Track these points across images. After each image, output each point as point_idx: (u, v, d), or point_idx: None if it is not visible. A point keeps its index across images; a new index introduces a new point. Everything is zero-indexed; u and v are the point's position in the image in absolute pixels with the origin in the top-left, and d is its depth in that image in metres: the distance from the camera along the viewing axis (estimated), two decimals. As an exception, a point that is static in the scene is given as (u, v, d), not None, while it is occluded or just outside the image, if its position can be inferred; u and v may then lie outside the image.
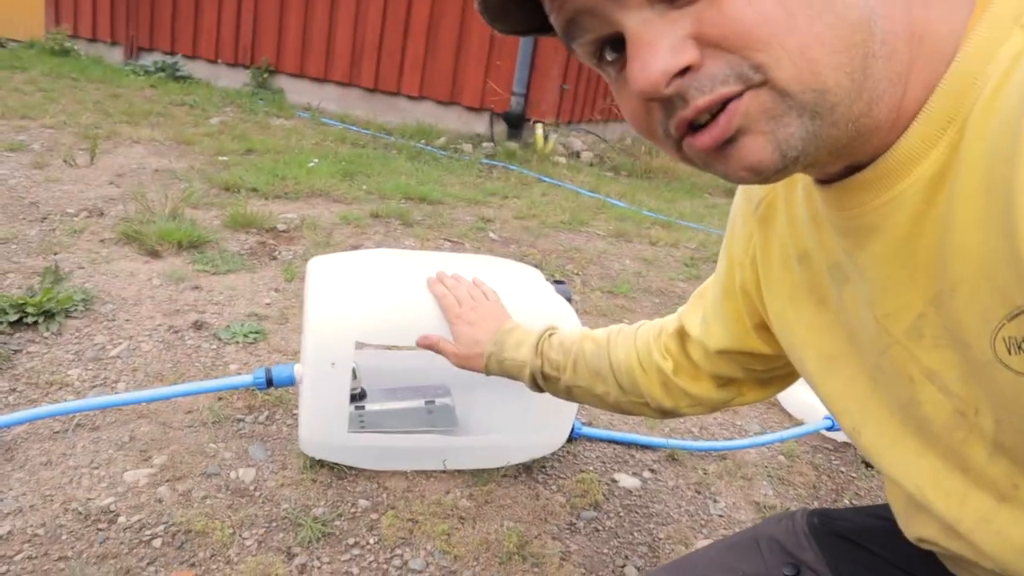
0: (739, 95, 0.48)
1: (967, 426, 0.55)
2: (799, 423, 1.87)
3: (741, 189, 0.80)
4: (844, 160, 0.55)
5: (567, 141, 5.76)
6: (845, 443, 1.81)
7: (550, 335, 1.14)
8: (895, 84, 0.49)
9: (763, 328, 0.82)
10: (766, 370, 0.91)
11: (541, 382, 1.12)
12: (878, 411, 0.65)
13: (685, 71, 0.48)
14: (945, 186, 0.50)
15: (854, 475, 1.69)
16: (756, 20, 0.45)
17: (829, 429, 1.77)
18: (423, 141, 5.20)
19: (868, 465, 1.74)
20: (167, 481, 1.30)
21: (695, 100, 0.48)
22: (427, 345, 1.24)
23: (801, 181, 0.66)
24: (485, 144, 5.33)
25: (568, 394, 1.11)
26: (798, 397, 1.89)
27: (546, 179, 4.62)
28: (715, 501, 1.51)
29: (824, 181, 0.59)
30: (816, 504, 1.56)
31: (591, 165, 5.59)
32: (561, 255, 3.07)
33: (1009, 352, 0.48)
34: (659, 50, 0.47)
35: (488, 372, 1.18)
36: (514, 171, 4.72)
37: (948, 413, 0.56)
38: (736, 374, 0.93)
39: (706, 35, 0.47)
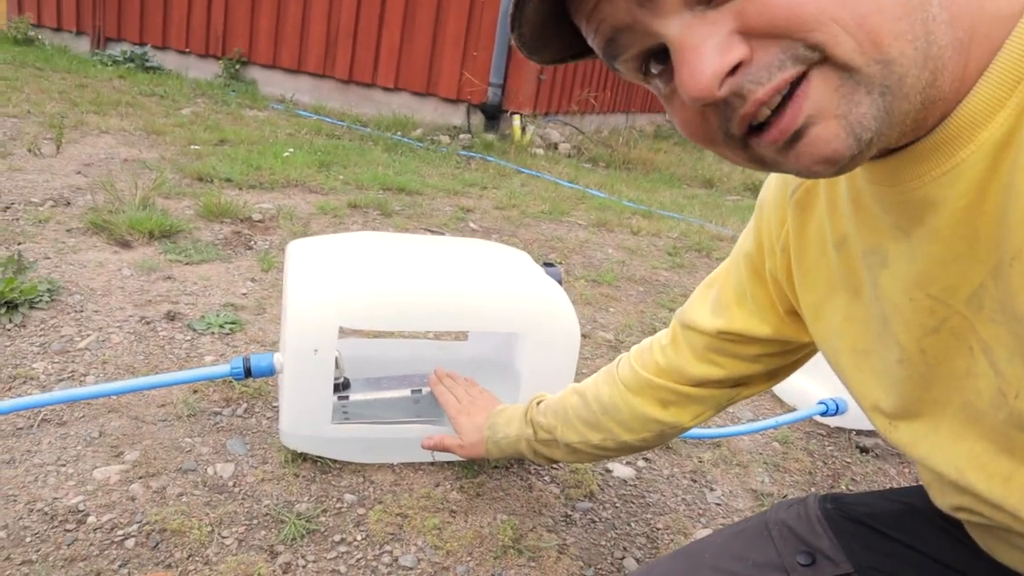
0: (803, 76, 0.45)
1: (1007, 408, 0.52)
2: (791, 409, 1.84)
3: (775, 175, 0.76)
4: (908, 136, 0.50)
5: (545, 132, 5.71)
6: (839, 428, 1.78)
7: (538, 403, 1.15)
8: (958, 51, 0.46)
9: (794, 314, 0.79)
10: (783, 357, 0.87)
11: (541, 450, 1.12)
12: (913, 402, 0.62)
13: (736, 68, 0.45)
14: (1011, 151, 0.46)
15: (848, 460, 1.66)
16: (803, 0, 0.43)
17: (823, 415, 1.73)
18: (399, 133, 5.12)
19: (863, 450, 1.71)
20: (140, 478, 1.23)
21: (754, 93, 0.45)
22: (432, 446, 1.27)
23: None
24: (462, 135, 5.27)
25: (572, 453, 1.09)
26: (790, 383, 1.86)
27: (525, 170, 4.56)
28: (711, 489, 1.47)
29: (874, 156, 0.55)
30: (813, 490, 1.52)
31: (569, 156, 5.54)
32: (543, 244, 3.02)
33: None
34: (705, 52, 0.45)
35: (491, 457, 1.21)
36: (492, 162, 4.65)
37: (994, 391, 0.54)
38: (745, 369, 0.89)
39: (752, 27, 0.44)
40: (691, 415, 0.95)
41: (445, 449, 1.25)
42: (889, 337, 0.61)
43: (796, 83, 0.45)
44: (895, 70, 0.44)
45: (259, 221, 2.70)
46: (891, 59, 0.43)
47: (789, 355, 0.87)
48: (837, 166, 0.48)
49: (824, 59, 0.44)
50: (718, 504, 1.42)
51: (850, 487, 1.56)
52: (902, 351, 0.60)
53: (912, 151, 0.52)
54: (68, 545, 1.07)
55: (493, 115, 5.45)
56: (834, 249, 0.66)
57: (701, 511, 1.39)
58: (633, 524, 1.32)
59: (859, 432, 1.77)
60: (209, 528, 1.14)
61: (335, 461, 1.33)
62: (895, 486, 1.59)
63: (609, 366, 1.05)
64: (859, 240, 0.62)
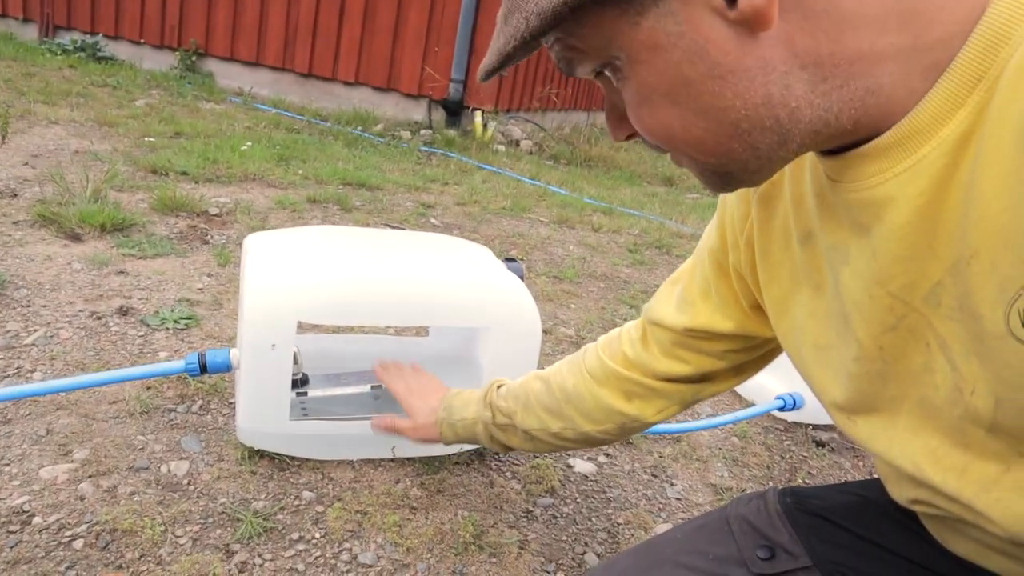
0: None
1: (963, 404, 0.53)
2: (750, 404, 1.86)
3: None
4: (850, 137, 0.52)
5: (506, 129, 5.70)
6: (796, 423, 1.81)
7: (498, 387, 1.12)
8: (859, 95, 0.49)
9: (758, 309, 0.80)
10: (748, 352, 0.88)
11: (498, 435, 1.09)
12: (874, 396, 0.62)
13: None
14: (971, 149, 0.47)
15: (805, 454, 1.69)
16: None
17: (780, 409, 1.76)
18: (360, 127, 5.07)
19: (820, 444, 1.74)
20: (89, 477, 1.19)
21: (646, 142, 0.59)
22: (383, 427, 1.22)
23: (809, 157, 0.63)
24: (423, 131, 5.23)
25: (529, 441, 1.06)
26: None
27: (486, 166, 4.55)
28: (672, 484, 1.48)
29: (835, 151, 0.55)
30: (771, 484, 1.54)
31: (530, 153, 5.55)
32: (505, 240, 3.01)
33: (1023, 325, 0.45)
34: (610, 121, 0.61)
35: (445, 440, 1.15)
36: (453, 158, 4.63)
37: (950, 387, 0.54)
38: (711, 365, 0.89)
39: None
40: (655, 409, 0.95)
41: (396, 431, 1.20)
42: (848, 334, 0.61)
43: None
44: (736, 164, 0.54)
45: (216, 215, 2.64)
46: (728, 163, 0.54)
47: (754, 350, 0.87)
48: (723, 192, 0.61)
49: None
50: (678, 499, 1.43)
51: (807, 480, 1.59)
52: (860, 348, 0.60)
53: (870, 148, 0.52)
54: (11, 548, 1.03)
55: (455, 111, 5.42)
56: (799, 244, 0.66)
57: (662, 506, 1.40)
58: (594, 519, 1.32)
59: (815, 427, 1.80)
60: (162, 527, 1.11)
61: (293, 458, 1.31)
62: (850, 479, 1.62)
63: (575, 354, 1.04)
64: (823, 236, 0.62)
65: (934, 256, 0.51)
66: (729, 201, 0.78)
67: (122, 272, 1.99)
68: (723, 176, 0.57)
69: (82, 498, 1.14)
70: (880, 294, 0.56)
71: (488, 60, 0.57)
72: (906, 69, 0.48)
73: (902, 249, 0.53)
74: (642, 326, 0.95)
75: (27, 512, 1.09)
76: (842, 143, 0.53)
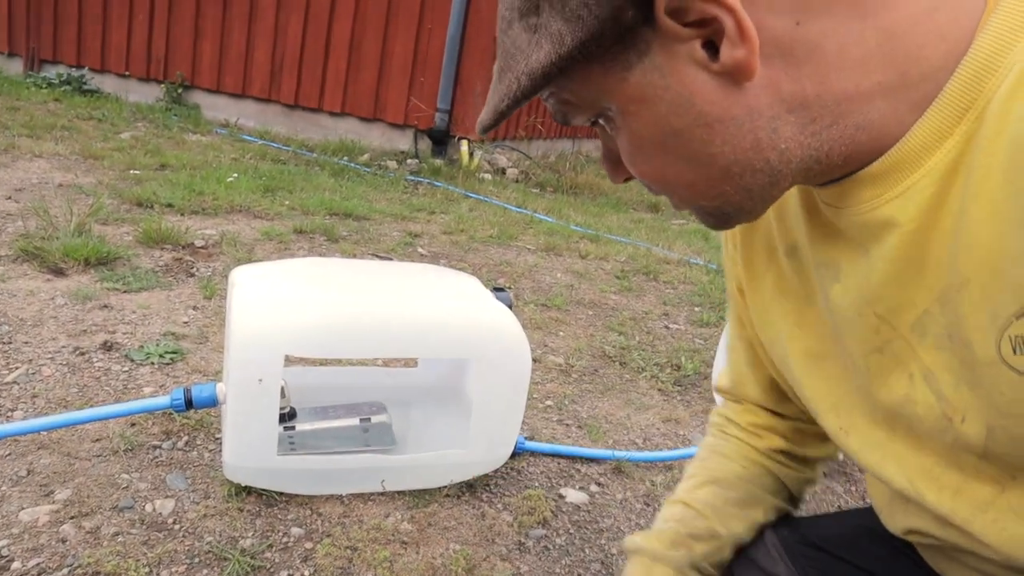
0: None
1: (953, 432, 0.53)
2: (741, 431, 1.85)
3: None
4: (841, 171, 0.53)
5: (492, 158, 5.73)
6: (787, 449, 1.80)
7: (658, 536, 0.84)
8: (848, 132, 0.50)
9: None
10: None
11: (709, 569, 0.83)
12: (866, 411, 0.62)
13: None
14: (959, 178, 0.47)
15: (798, 481, 1.67)
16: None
17: (772, 435, 1.75)
18: (346, 158, 5.08)
19: (811, 470, 1.73)
20: (72, 518, 1.16)
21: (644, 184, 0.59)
22: None
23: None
24: (410, 160, 5.25)
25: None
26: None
27: (472, 195, 4.56)
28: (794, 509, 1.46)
29: (826, 180, 0.56)
30: (764, 512, 1.53)
31: (517, 181, 5.57)
32: (492, 269, 3.01)
33: (1015, 352, 0.46)
34: (607, 165, 0.61)
35: None
36: (440, 187, 4.65)
37: (936, 416, 0.54)
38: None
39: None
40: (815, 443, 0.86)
41: None
42: (840, 346, 0.61)
43: None
44: (731, 207, 0.55)
45: (201, 247, 2.63)
46: (722, 206, 0.55)
47: None
48: (722, 229, 0.63)
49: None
50: (671, 527, 1.42)
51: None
52: (853, 363, 0.60)
53: (862, 176, 0.52)
54: (-8, 592, 1.00)
55: (440, 140, 5.45)
56: (785, 256, 0.67)
57: (655, 535, 1.38)
58: (587, 550, 1.30)
59: (807, 451, 1.79)
60: (147, 569, 1.08)
61: (281, 494, 1.29)
62: (843, 503, 1.61)
63: (701, 458, 0.89)
64: (812, 252, 0.62)
65: (922, 283, 0.52)
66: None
67: (106, 306, 1.97)
68: (719, 216, 0.58)
69: (64, 540, 1.12)
70: (867, 313, 0.56)
71: (484, 116, 0.58)
72: (895, 105, 0.49)
73: (893, 272, 0.53)
74: (733, 407, 0.89)
75: (6, 557, 1.07)
76: (833, 177, 0.53)
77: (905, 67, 0.48)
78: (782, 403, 0.84)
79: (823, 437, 0.80)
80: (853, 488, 1.69)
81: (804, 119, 0.49)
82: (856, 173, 0.53)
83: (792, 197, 0.64)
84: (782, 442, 0.85)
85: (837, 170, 0.52)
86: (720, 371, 0.92)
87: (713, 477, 0.85)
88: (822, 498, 1.62)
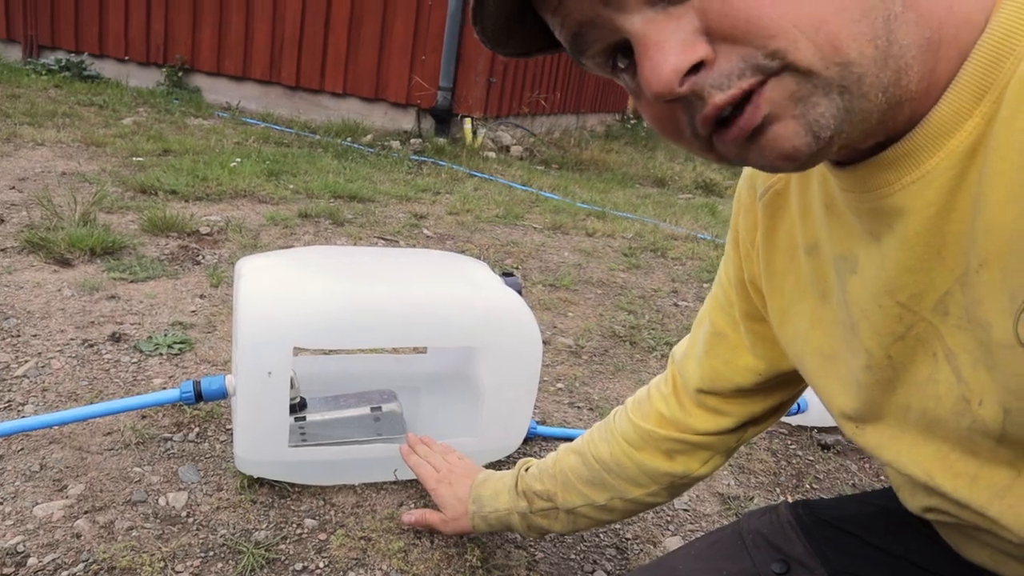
0: (761, 84, 0.45)
1: (970, 415, 0.53)
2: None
3: (744, 178, 0.76)
4: (876, 136, 0.50)
5: (496, 135, 5.69)
6: (800, 427, 1.79)
7: (526, 469, 1.07)
8: (924, 50, 0.45)
9: None
10: (791, 387, 0.86)
11: (537, 522, 1.04)
12: (880, 407, 0.61)
13: (699, 67, 0.46)
14: (978, 160, 0.47)
15: (811, 458, 1.67)
16: (763, 2, 0.43)
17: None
18: (349, 139, 5.05)
19: (825, 447, 1.72)
20: (85, 513, 1.16)
21: (713, 97, 0.46)
22: (414, 521, 1.18)
23: (817, 169, 0.62)
24: (413, 140, 5.21)
25: (572, 522, 1.02)
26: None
27: (477, 174, 4.54)
28: (673, 501, 1.45)
29: (845, 162, 0.55)
30: (778, 490, 1.52)
31: (521, 159, 5.53)
32: (499, 250, 2.99)
33: None
34: (667, 49, 0.45)
35: (478, 532, 1.13)
36: (444, 167, 4.62)
37: (955, 398, 0.54)
38: (752, 410, 0.87)
39: (714, 28, 0.45)
40: (700, 462, 0.92)
41: (427, 525, 1.17)
42: (856, 343, 0.61)
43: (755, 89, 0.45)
44: (854, 71, 0.44)
45: (207, 234, 2.62)
46: (850, 60, 0.43)
47: (797, 382, 0.85)
48: (798, 162, 0.48)
49: (784, 67, 0.44)
50: (686, 510, 1.41)
51: (814, 485, 1.57)
52: (869, 357, 0.59)
53: (881, 159, 0.51)
54: (9, 590, 1.00)
55: (443, 119, 5.41)
56: (805, 254, 0.66)
57: (669, 518, 1.38)
58: (602, 535, 1.30)
59: (820, 430, 1.78)
60: (162, 563, 1.08)
61: (294, 485, 1.29)
62: (857, 481, 1.61)
63: (604, 420, 1.01)
64: (831, 245, 0.62)
65: (943, 266, 0.51)
66: (740, 216, 0.77)
67: (113, 297, 1.96)
68: (831, 95, 0.45)
69: (78, 535, 1.12)
70: (889, 304, 0.56)
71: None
72: (929, 62, 0.47)
73: (911, 259, 0.53)
74: (672, 379, 0.92)
75: (22, 553, 1.07)
76: (874, 139, 0.50)
77: (941, 25, 0.46)
78: (711, 397, 0.86)
79: (707, 460, 0.91)
80: (867, 466, 1.68)
81: (925, 33, 0.45)
82: (877, 155, 0.51)
83: (815, 193, 0.62)
84: (678, 434, 0.90)
85: (875, 128, 0.48)
86: (682, 341, 0.94)
87: (582, 449, 0.99)
88: (836, 476, 1.62)
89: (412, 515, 1.19)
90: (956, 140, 0.47)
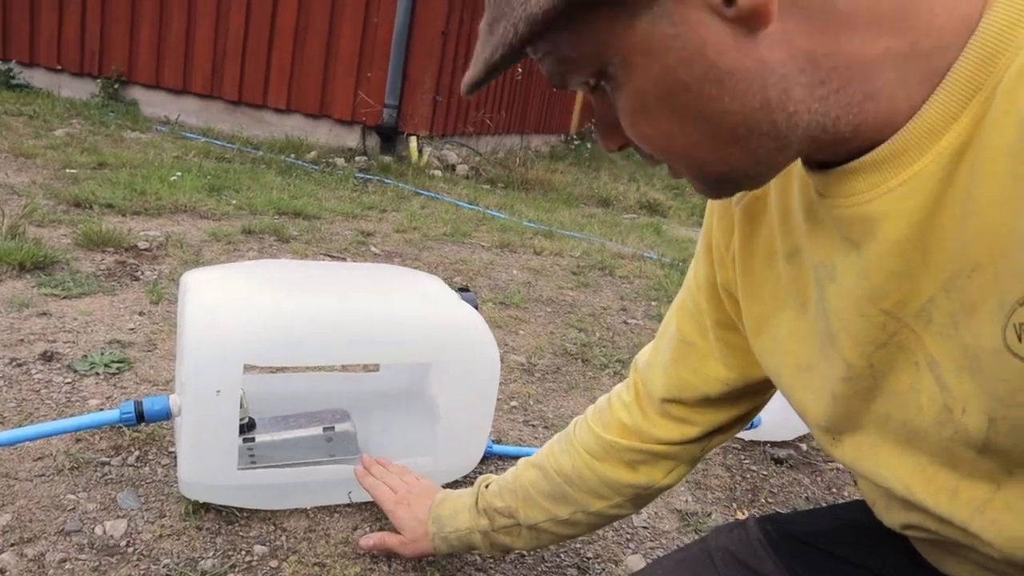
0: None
1: (952, 425, 0.52)
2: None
3: None
4: (847, 146, 0.50)
5: (441, 154, 5.67)
6: (752, 442, 1.80)
7: (486, 486, 1.05)
8: (856, 99, 0.48)
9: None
10: (757, 396, 0.85)
11: (500, 540, 1.02)
12: (857, 419, 0.61)
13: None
14: (966, 161, 0.46)
15: (766, 473, 1.68)
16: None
17: (738, 430, 1.75)
18: (293, 155, 4.96)
19: (778, 462, 1.73)
20: (12, 545, 1.08)
21: (640, 152, 0.58)
22: (372, 545, 1.13)
23: (797, 172, 0.61)
24: (358, 158, 5.15)
25: (536, 537, 1.00)
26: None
27: (423, 192, 4.50)
28: (637, 513, 1.44)
29: (825, 165, 0.54)
30: (735, 505, 1.52)
31: (467, 178, 5.52)
32: (448, 267, 2.96)
33: (1020, 339, 0.44)
34: (600, 131, 0.59)
35: (439, 553, 1.08)
36: (390, 184, 4.57)
37: (938, 407, 0.53)
38: (718, 419, 0.86)
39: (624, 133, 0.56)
40: (664, 472, 0.91)
41: (386, 549, 1.12)
42: (834, 352, 0.59)
43: None
44: (736, 173, 0.53)
45: (146, 249, 2.52)
46: (724, 172, 0.53)
47: (764, 391, 0.85)
48: (721, 197, 0.61)
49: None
50: (645, 527, 1.40)
51: (769, 499, 1.58)
52: (848, 368, 0.58)
53: (863, 163, 0.50)
54: (-72, 630, 0.92)
55: (389, 137, 5.36)
56: (785, 261, 0.65)
57: (629, 536, 1.37)
58: (563, 555, 1.27)
59: (773, 444, 1.80)
60: (99, 596, 1.01)
61: (242, 510, 1.23)
62: (810, 495, 1.62)
63: (564, 432, 0.99)
64: (811, 252, 0.61)
65: (927, 272, 0.50)
66: (713, 221, 0.76)
67: (45, 314, 1.86)
68: (721, 183, 0.56)
69: (3, 571, 1.04)
70: (872, 312, 0.55)
71: (474, 72, 0.54)
72: (904, 76, 0.47)
73: (897, 266, 0.52)
74: (634, 387, 0.91)
75: (-56, 589, 0.99)
76: (840, 152, 0.51)
77: (916, 36, 0.46)
78: (676, 406, 0.86)
79: (671, 470, 0.91)
80: (819, 479, 1.70)
81: (814, 80, 0.47)
82: (854, 160, 0.51)
83: (795, 197, 0.61)
84: (640, 444, 0.89)
85: (844, 144, 0.50)
86: (645, 348, 0.92)
87: (543, 463, 0.98)
88: (790, 490, 1.63)
89: (370, 539, 1.14)
90: (945, 141, 0.47)
